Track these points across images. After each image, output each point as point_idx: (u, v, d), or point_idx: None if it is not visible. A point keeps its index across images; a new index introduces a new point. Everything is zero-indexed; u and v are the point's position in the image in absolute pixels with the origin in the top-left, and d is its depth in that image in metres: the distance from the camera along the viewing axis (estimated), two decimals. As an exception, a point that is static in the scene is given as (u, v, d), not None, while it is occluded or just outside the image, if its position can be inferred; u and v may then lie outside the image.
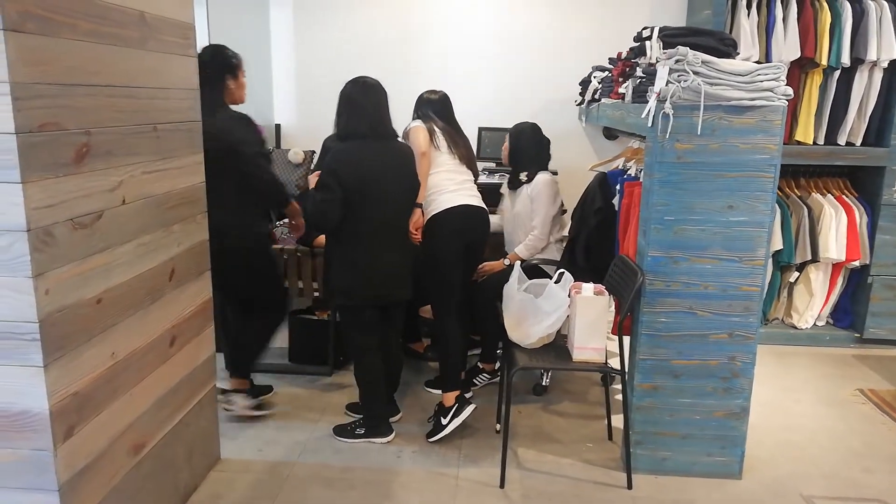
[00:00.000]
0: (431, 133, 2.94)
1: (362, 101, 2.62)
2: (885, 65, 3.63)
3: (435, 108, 3.04)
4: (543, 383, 3.25)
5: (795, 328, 4.00)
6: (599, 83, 3.54)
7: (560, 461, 2.66)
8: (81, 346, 1.68)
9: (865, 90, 3.69)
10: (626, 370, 2.52)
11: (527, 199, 3.18)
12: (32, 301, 1.51)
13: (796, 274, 3.97)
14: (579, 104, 4.01)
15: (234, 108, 2.79)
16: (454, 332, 2.89)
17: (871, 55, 3.57)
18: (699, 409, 2.49)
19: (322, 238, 3.08)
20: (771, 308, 4.04)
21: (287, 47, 4.33)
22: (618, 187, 2.98)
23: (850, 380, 3.51)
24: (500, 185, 3.73)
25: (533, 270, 3.06)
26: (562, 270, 2.69)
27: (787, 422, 3.03)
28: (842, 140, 3.77)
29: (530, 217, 3.16)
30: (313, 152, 3.79)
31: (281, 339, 3.46)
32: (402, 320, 2.95)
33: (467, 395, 2.93)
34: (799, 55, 3.60)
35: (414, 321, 3.54)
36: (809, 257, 3.83)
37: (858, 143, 3.78)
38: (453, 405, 2.78)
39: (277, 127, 4.35)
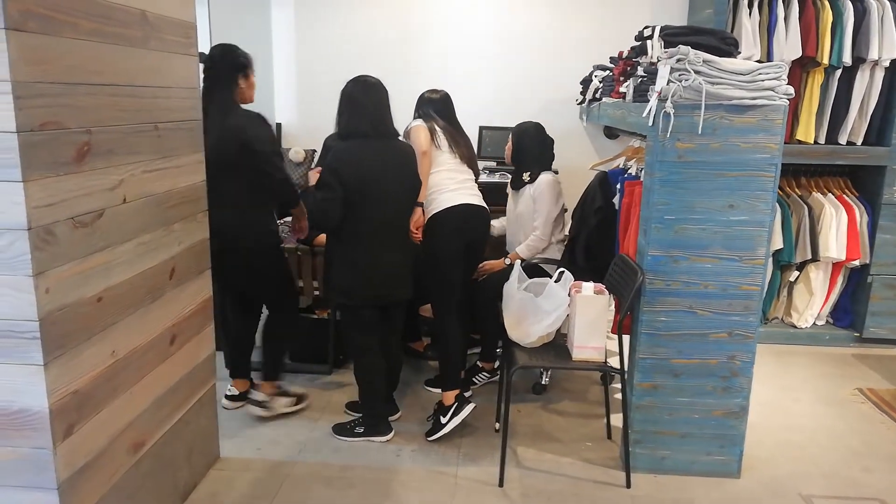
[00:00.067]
0: (432, 132, 2.94)
1: (363, 100, 2.62)
2: (887, 64, 3.63)
3: (436, 107, 3.04)
4: (543, 382, 3.25)
5: (795, 327, 4.00)
6: (600, 82, 3.53)
7: (559, 460, 2.66)
8: (81, 344, 1.68)
9: (867, 89, 3.69)
10: (626, 369, 2.52)
11: (529, 199, 3.18)
12: (33, 299, 1.51)
13: (796, 273, 3.97)
14: (580, 103, 4.01)
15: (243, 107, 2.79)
16: (454, 331, 2.89)
17: (873, 54, 3.56)
18: (698, 409, 2.50)
19: (322, 237, 3.09)
20: (771, 307, 4.04)
21: (288, 46, 4.33)
22: (618, 186, 2.98)
23: (849, 379, 3.51)
24: (500, 184, 3.73)
25: (533, 269, 3.07)
26: (562, 269, 2.69)
27: (787, 421, 3.03)
28: (843, 139, 3.77)
29: (532, 217, 3.16)
30: (314, 151, 3.80)
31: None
32: (402, 320, 2.95)
33: (467, 394, 2.93)
34: (800, 54, 3.60)
35: (414, 320, 3.54)
36: (809, 256, 3.83)
37: (859, 142, 3.78)
38: (453, 404, 2.78)
39: (278, 126, 4.35)
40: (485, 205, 3.00)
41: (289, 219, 3.13)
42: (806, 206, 3.82)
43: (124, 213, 1.84)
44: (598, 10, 4.19)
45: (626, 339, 2.55)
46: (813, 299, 3.95)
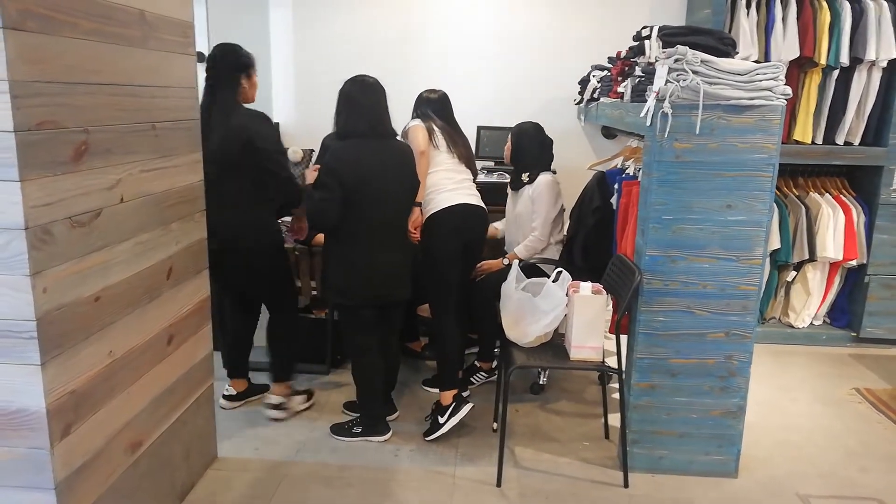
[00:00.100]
0: (430, 132, 2.94)
1: (361, 99, 2.62)
2: (884, 64, 3.63)
3: (434, 107, 3.04)
4: (541, 382, 3.26)
5: (792, 327, 4.01)
6: (598, 82, 3.54)
7: (557, 460, 2.67)
8: (79, 344, 1.68)
9: (864, 90, 3.70)
10: (624, 369, 2.53)
11: (528, 200, 3.18)
12: (30, 299, 1.51)
13: (793, 273, 3.98)
14: (578, 103, 4.01)
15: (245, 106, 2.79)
16: (452, 330, 2.89)
17: (870, 55, 3.57)
18: (696, 408, 2.50)
19: (320, 237, 3.09)
20: (768, 307, 4.05)
21: (286, 46, 4.33)
22: (616, 186, 2.98)
23: (846, 379, 3.52)
24: (498, 184, 3.73)
25: (531, 269, 3.07)
26: (560, 269, 2.69)
27: (784, 421, 3.04)
28: (840, 139, 3.78)
29: (531, 218, 3.16)
30: (312, 151, 3.79)
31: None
32: (401, 320, 2.95)
33: (465, 394, 2.93)
34: (798, 54, 3.60)
35: (412, 320, 3.54)
36: (807, 256, 3.84)
37: (857, 142, 3.78)
38: (451, 404, 2.78)
39: (276, 125, 4.35)
40: (483, 205, 3.00)
41: (287, 219, 3.13)
42: (803, 207, 3.83)
43: (122, 212, 1.84)
44: (598, 10, 4.20)
45: (623, 338, 2.56)
46: (810, 299, 3.96)
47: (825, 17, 3.59)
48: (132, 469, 1.98)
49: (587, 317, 2.48)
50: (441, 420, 2.76)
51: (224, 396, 3.01)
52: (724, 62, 2.25)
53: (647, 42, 2.57)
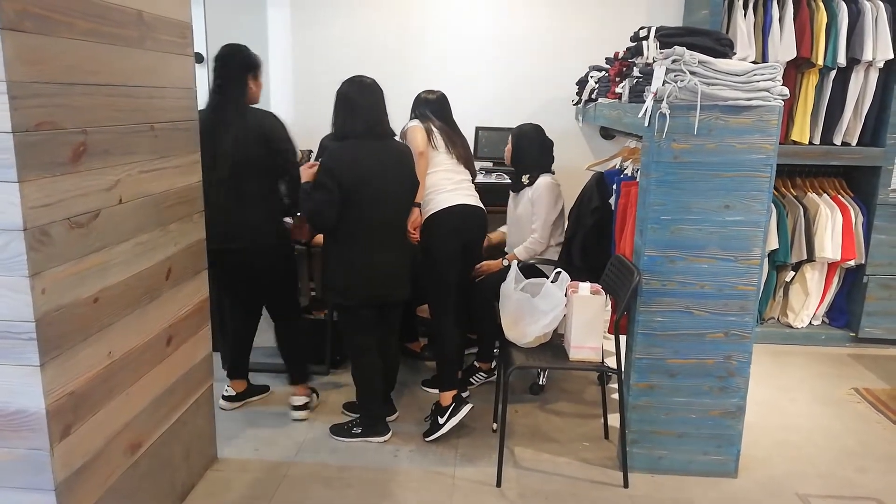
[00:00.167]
0: (429, 133, 2.94)
1: (359, 100, 2.62)
2: (881, 65, 3.64)
3: (432, 107, 3.04)
4: (540, 382, 3.26)
5: (791, 327, 4.01)
6: (596, 83, 3.54)
7: (557, 460, 2.67)
8: (78, 345, 1.68)
9: (861, 90, 3.71)
10: (623, 369, 2.53)
11: (528, 202, 3.18)
12: (29, 300, 1.51)
13: (792, 273, 3.98)
14: (576, 104, 4.02)
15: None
16: (451, 331, 2.89)
17: (867, 55, 3.58)
18: (695, 408, 2.50)
19: (320, 237, 3.09)
20: (767, 307, 4.05)
21: (284, 46, 4.33)
22: (614, 187, 2.99)
23: (845, 379, 3.52)
24: (497, 184, 3.73)
25: (530, 270, 3.07)
26: (558, 270, 2.69)
27: (783, 421, 3.04)
28: (837, 140, 3.78)
29: (531, 220, 3.16)
30: (310, 151, 3.79)
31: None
32: (399, 320, 2.95)
33: (464, 395, 2.93)
34: (795, 55, 3.61)
35: (411, 320, 3.54)
36: (805, 257, 3.84)
37: (854, 143, 3.79)
38: (450, 404, 2.78)
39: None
40: (482, 205, 3.01)
41: (288, 219, 3.13)
42: (801, 207, 3.84)
43: (121, 213, 1.84)
44: (596, 11, 4.20)
45: (622, 339, 2.56)
46: (808, 299, 3.96)
47: (822, 17, 3.60)
48: (132, 470, 1.98)
49: (586, 317, 2.48)
50: (440, 420, 2.76)
51: (224, 397, 3.01)
52: (721, 63, 2.26)
53: (644, 43, 2.58)
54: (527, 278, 2.77)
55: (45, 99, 1.52)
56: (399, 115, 2.87)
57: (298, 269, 3.24)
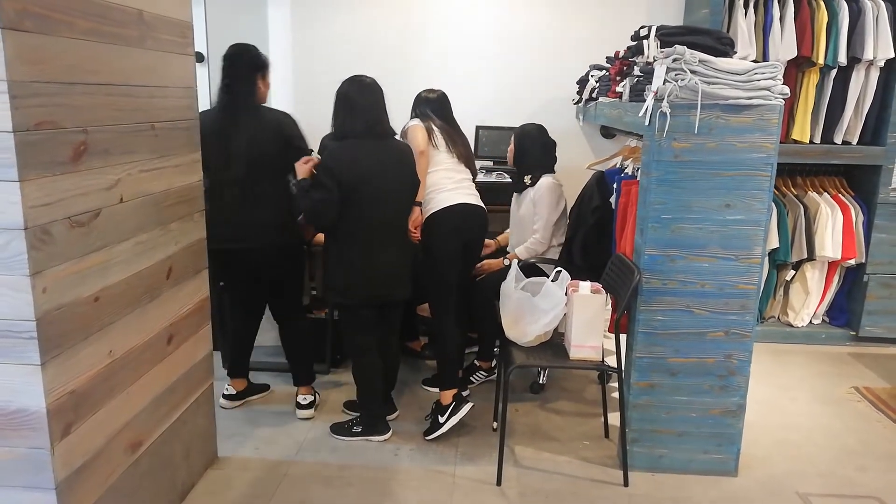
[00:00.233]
0: (430, 131, 2.94)
1: (359, 99, 2.62)
2: (882, 64, 3.64)
3: (433, 106, 3.04)
4: (540, 381, 3.26)
5: (791, 326, 4.01)
6: (597, 82, 3.54)
7: (557, 459, 2.67)
8: (79, 344, 1.68)
9: (862, 89, 3.70)
10: (623, 368, 2.53)
11: (530, 202, 3.18)
12: (30, 299, 1.51)
13: (792, 272, 3.98)
14: (577, 103, 4.02)
15: None
16: (451, 330, 2.89)
17: (868, 54, 3.58)
18: (696, 407, 2.50)
19: (321, 236, 3.09)
20: (767, 306, 4.05)
21: (284, 45, 4.33)
22: (615, 186, 2.99)
23: (845, 378, 3.52)
24: (497, 183, 3.73)
25: (530, 269, 3.07)
26: (559, 269, 2.69)
27: (783, 420, 3.04)
28: (838, 139, 3.78)
29: (533, 220, 3.16)
30: (311, 151, 3.79)
31: (277, 338, 3.46)
32: (399, 320, 2.95)
33: (464, 394, 2.94)
34: (796, 54, 3.61)
35: (411, 319, 3.54)
36: (805, 256, 3.84)
37: (855, 141, 3.79)
38: (450, 403, 2.78)
39: None
40: (482, 204, 3.00)
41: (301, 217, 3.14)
42: (802, 206, 3.84)
43: (121, 212, 1.84)
44: (597, 10, 4.20)
45: (623, 338, 2.56)
46: (809, 298, 3.96)
47: (823, 16, 3.60)
48: (132, 469, 1.98)
49: (586, 316, 2.48)
50: (441, 419, 2.76)
51: (224, 396, 3.01)
52: (722, 62, 2.25)
53: (645, 42, 2.58)
54: (527, 277, 2.78)
55: (46, 98, 1.52)
56: (399, 114, 2.87)
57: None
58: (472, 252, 3.07)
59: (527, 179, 3.20)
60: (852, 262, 3.86)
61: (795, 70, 3.72)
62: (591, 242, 3.10)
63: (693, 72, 2.22)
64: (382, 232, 2.65)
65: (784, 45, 3.61)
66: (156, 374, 2.08)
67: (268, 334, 3.38)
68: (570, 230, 3.25)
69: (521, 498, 2.41)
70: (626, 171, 3.06)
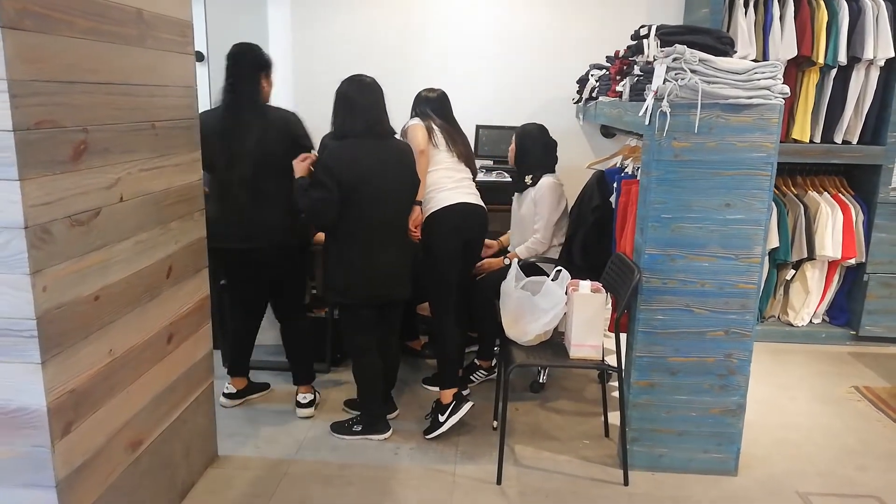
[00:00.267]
0: (430, 131, 2.94)
1: (359, 99, 2.62)
2: (882, 63, 3.64)
3: (433, 105, 3.04)
4: (541, 380, 3.26)
5: (791, 326, 4.01)
6: (597, 81, 3.54)
7: (557, 458, 2.67)
8: (79, 343, 1.68)
9: (862, 89, 3.70)
10: (623, 367, 2.53)
11: (531, 202, 3.18)
12: (30, 298, 1.51)
13: (792, 272, 3.98)
14: (577, 102, 4.01)
15: None
16: (452, 329, 2.89)
17: (868, 54, 3.58)
18: (696, 406, 2.50)
19: (321, 235, 3.09)
20: (767, 306, 4.05)
21: (284, 45, 4.32)
22: (615, 185, 2.99)
23: (845, 377, 3.52)
24: (497, 183, 3.73)
25: (531, 268, 3.07)
26: (559, 268, 2.69)
27: (783, 419, 3.04)
28: (838, 138, 3.78)
29: (534, 220, 3.16)
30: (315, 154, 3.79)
31: (278, 337, 3.47)
32: (399, 319, 2.96)
33: (465, 393, 2.94)
34: (796, 54, 3.61)
35: (411, 319, 3.54)
36: (805, 255, 3.84)
37: (855, 141, 3.79)
38: (451, 402, 2.78)
39: None
40: (482, 203, 3.00)
41: None
42: (802, 205, 3.84)
43: (121, 211, 1.84)
44: (597, 10, 4.19)
45: (623, 337, 2.56)
46: (809, 298, 3.96)
47: (823, 16, 3.60)
48: (133, 467, 1.98)
49: (586, 315, 2.48)
50: (441, 418, 2.76)
51: (224, 394, 3.02)
52: (722, 61, 2.25)
53: (645, 41, 2.58)
54: (527, 276, 2.78)
55: (46, 97, 1.53)
56: (399, 114, 2.87)
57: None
58: (472, 251, 3.07)
59: (528, 179, 3.20)
60: (852, 261, 3.86)
61: (795, 69, 3.72)
62: (591, 242, 3.10)
63: (693, 71, 2.22)
64: (382, 231, 2.65)
65: (784, 44, 3.61)
66: (156, 373, 2.08)
67: (267, 333, 3.37)
68: (570, 229, 3.25)
69: (521, 497, 2.42)
70: (626, 170, 3.06)
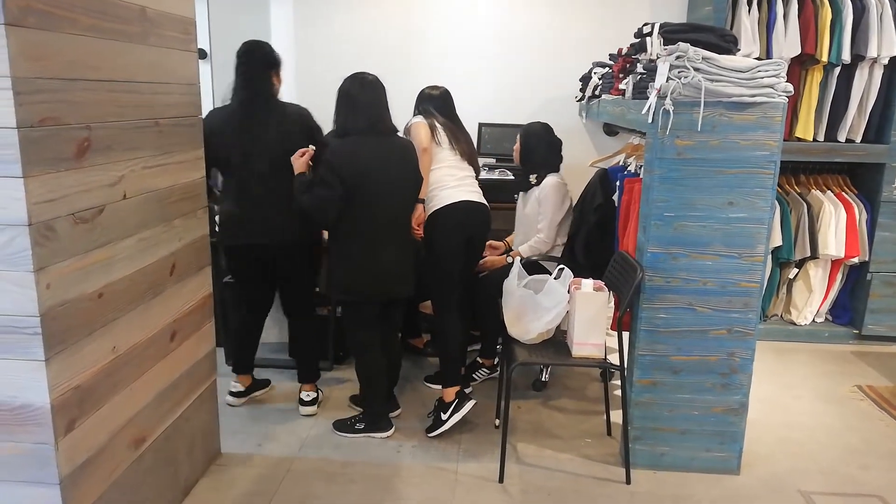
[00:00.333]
0: (432, 129, 2.94)
1: (360, 97, 2.62)
2: (886, 62, 3.63)
3: (436, 103, 3.04)
4: (543, 379, 3.26)
5: (794, 325, 4.01)
6: (600, 79, 3.53)
7: (559, 456, 2.67)
8: (82, 340, 1.69)
9: (865, 87, 3.69)
10: (626, 366, 2.53)
11: (535, 201, 3.18)
12: (34, 295, 1.52)
13: (795, 270, 3.97)
14: (579, 100, 4.01)
15: None
16: (454, 327, 2.89)
17: (872, 52, 3.57)
18: (698, 405, 2.50)
19: (324, 232, 3.10)
20: (770, 304, 4.04)
21: (286, 43, 4.32)
22: (618, 183, 2.98)
23: (848, 376, 3.52)
24: (500, 181, 3.73)
25: (533, 266, 3.07)
26: (561, 266, 2.69)
27: (786, 418, 3.04)
28: (842, 137, 3.77)
29: (538, 219, 3.16)
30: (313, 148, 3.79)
31: (281, 334, 3.47)
32: (401, 316, 2.96)
33: (467, 391, 2.94)
34: (799, 52, 3.60)
35: (414, 317, 3.54)
36: (809, 254, 3.84)
37: (858, 139, 3.78)
38: (453, 400, 2.78)
39: None
40: (485, 201, 3.00)
41: None
42: (805, 204, 3.83)
43: (125, 209, 1.85)
44: (598, 9, 4.19)
45: (625, 335, 2.56)
46: (812, 296, 3.96)
47: (826, 14, 3.59)
48: (136, 464, 1.98)
49: (589, 313, 2.48)
50: (443, 416, 2.77)
51: (231, 393, 3.01)
52: (725, 59, 2.25)
53: (648, 39, 2.58)
54: (530, 275, 2.77)
55: (49, 95, 1.53)
56: (401, 112, 2.87)
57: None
58: (474, 249, 3.06)
59: (532, 178, 3.20)
60: (856, 260, 3.85)
61: (799, 68, 3.71)
62: (593, 240, 3.10)
63: (696, 69, 2.22)
64: (385, 229, 2.65)
65: (788, 42, 3.60)
66: (159, 371, 2.08)
67: (270, 331, 3.38)
68: (572, 227, 3.25)
69: (523, 495, 2.42)
70: (629, 168, 3.06)
